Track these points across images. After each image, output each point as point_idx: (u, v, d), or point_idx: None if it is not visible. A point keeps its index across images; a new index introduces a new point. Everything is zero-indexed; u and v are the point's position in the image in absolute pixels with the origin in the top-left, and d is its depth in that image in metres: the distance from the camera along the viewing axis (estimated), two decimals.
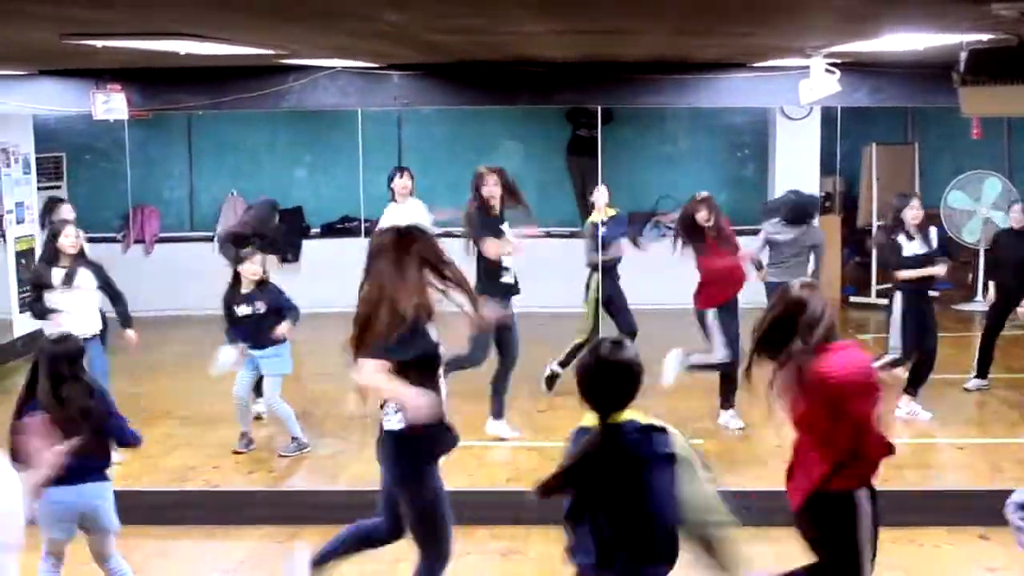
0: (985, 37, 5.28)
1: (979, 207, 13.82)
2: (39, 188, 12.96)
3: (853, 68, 8.74)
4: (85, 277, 8.56)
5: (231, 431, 9.41)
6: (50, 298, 8.54)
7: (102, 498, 5.94)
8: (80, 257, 8.60)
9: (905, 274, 9.19)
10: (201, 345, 12.47)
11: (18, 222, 12.30)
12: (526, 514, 6.66)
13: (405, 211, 10.18)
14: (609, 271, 10.15)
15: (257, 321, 8.74)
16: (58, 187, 13.99)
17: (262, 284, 8.78)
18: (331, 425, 9.37)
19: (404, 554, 5.79)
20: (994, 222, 13.72)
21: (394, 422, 5.37)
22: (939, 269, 9.25)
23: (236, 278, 8.77)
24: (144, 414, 9.44)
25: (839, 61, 8.19)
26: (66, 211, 10.10)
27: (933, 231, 9.36)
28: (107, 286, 8.72)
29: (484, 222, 8.72)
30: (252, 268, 8.70)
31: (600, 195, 10.34)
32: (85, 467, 5.73)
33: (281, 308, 8.78)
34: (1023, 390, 10.29)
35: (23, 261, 12.24)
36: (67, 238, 8.50)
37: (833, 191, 14.71)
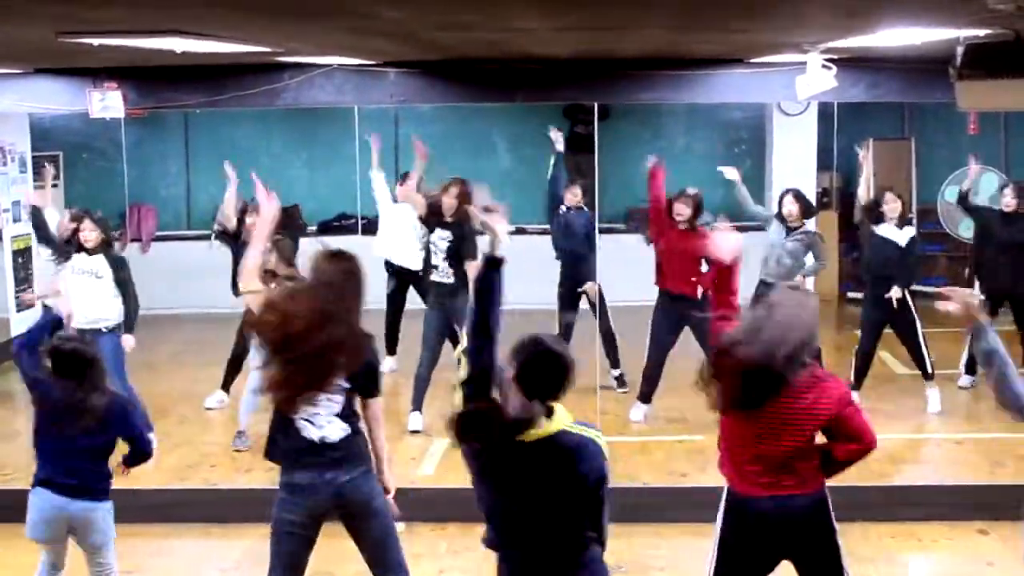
0: (982, 32, 5.28)
1: (976, 202, 13.79)
2: (35, 187, 12.93)
3: (850, 64, 8.73)
4: (102, 264, 8.82)
5: (228, 430, 9.42)
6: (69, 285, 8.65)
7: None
8: (105, 246, 8.87)
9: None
10: (198, 344, 12.51)
11: (14, 221, 12.28)
12: None
13: (400, 209, 10.77)
14: None
15: None
16: (55, 186, 13.97)
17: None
18: None
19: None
20: None
21: (337, 429, 5.14)
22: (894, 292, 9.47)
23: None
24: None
25: (836, 57, 8.18)
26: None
27: (908, 230, 9.49)
28: (123, 282, 8.88)
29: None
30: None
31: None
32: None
33: None
34: None
35: (20, 260, 12.23)
36: (83, 232, 8.78)
37: (830, 187, 14.72)
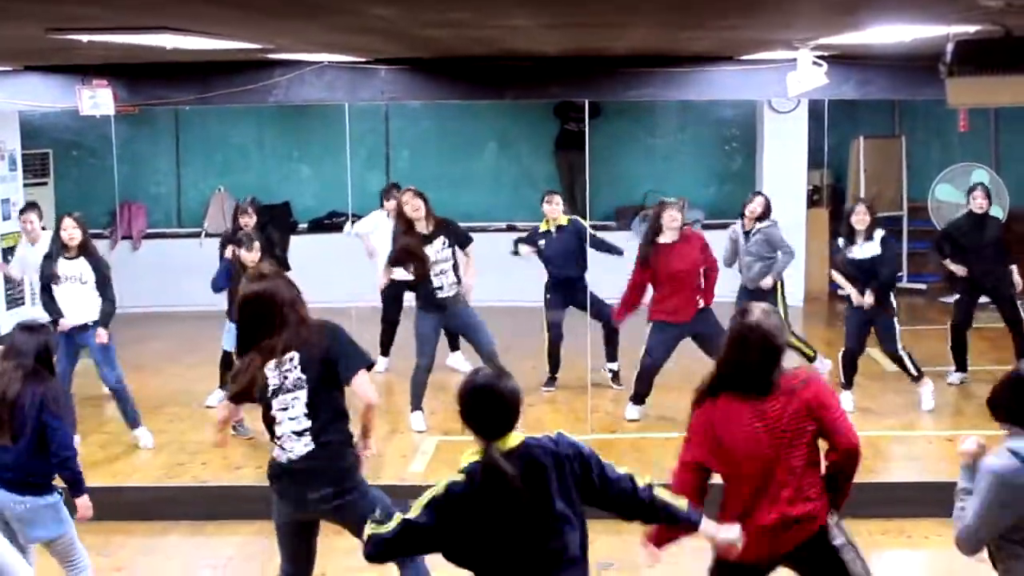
0: (971, 28, 5.29)
1: (967, 199, 13.82)
2: (25, 185, 12.92)
3: (840, 61, 8.74)
4: (86, 271, 8.85)
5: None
6: (57, 291, 8.86)
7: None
8: (82, 249, 8.87)
9: (836, 276, 9.66)
10: (188, 341, 12.49)
11: (4, 219, 12.26)
12: None
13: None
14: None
15: None
16: (44, 183, 13.95)
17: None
18: None
19: None
20: None
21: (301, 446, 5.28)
22: (862, 297, 9.38)
23: (240, 264, 9.07)
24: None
25: (826, 54, 8.19)
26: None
27: (878, 234, 9.41)
28: (102, 283, 8.89)
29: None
30: (250, 256, 8.98)
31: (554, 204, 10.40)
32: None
33: None
34: None
35: (9, 258, 12.20)
36: (64, 231, 8.81)
37: (821, 184, 14.72)
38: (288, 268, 9.75)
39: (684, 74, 9.50)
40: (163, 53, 7.21)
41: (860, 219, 9.39)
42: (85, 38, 5.96)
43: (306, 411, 5.23)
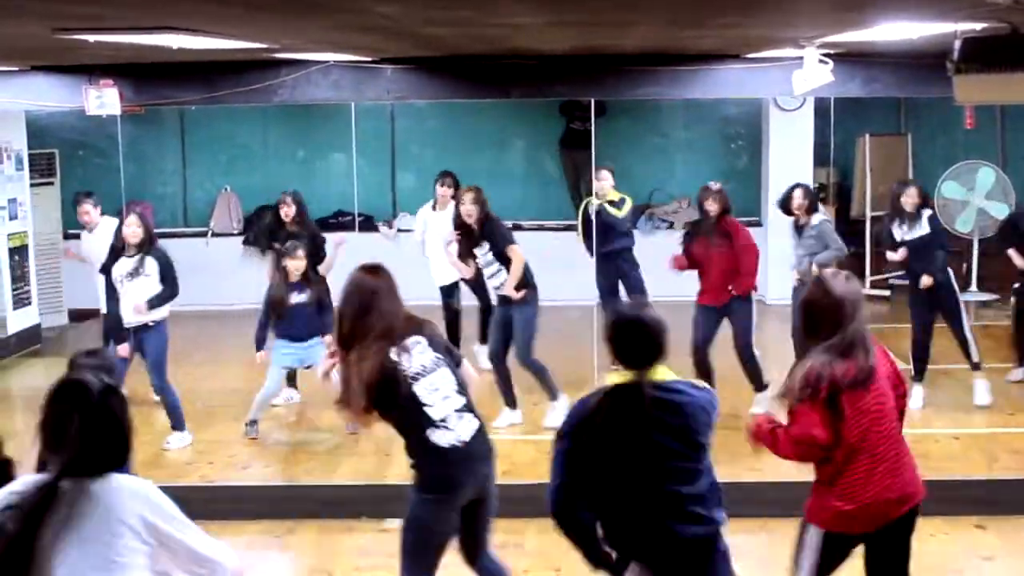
0: (978, 26, 5.29)
1: (972, 197, 13.81)
2: (32, 185, 12.92)
3: (846, 59, 8.74)
4: (150, 266, 8.87)
5: (226, 426, 9.41)
6: (120, 289, 8.92)
7: None
8: (143, 246, 8.85)
9: (889, 255, 9.76)
10: (194, 340, 12.50)
11: (11, 218, 12.27)
12: (523, 507, 6.65)
13: (440, 218, 10.46)
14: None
15: (304, 310, 9.04)
16: (51, 183, 13.96)
17: (306, 277, 9.09)
18: (327, 419, 9.35)
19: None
20: (987, 212, 13.72)
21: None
22: (896, 256, 9.63)
23: (284, 272, 9.12)
24: (137, 409, 9.41)
25: (832, 52, 8.19)
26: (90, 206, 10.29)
27: (925, 213, 9.45)
28: (164, 275, 8.96)
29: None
30: (296, 264, 9.03)
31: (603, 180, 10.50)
32: None
33: (323, 302, 9.08)
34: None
35: (16, 257, 12.23)
36: (128, 228, 8.82)
37: (827, 182, 14.71)
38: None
39: (690, 72, 9.50)
40: (169, 53, 7.22)
41: (910, 200, 9.42)
42: (91, 38, 5.97)
43: (456, 387, 5.17)
